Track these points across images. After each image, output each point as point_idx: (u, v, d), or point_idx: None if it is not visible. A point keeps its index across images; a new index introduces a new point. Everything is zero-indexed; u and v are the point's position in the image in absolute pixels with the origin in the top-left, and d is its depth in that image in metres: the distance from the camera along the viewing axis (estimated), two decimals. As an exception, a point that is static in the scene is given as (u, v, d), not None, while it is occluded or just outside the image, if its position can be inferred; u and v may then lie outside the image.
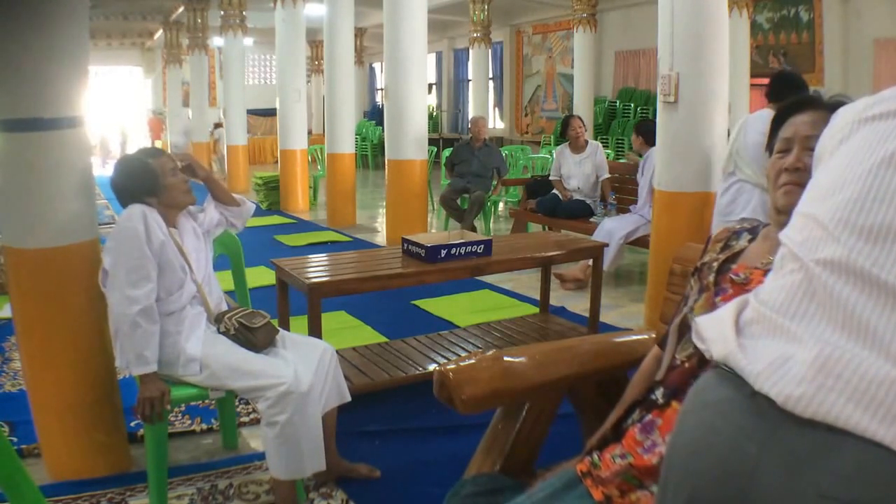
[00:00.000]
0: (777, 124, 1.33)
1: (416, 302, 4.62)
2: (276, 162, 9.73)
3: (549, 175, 6.12)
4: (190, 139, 14.26)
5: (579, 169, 5.71)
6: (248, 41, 13.03)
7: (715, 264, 1.33)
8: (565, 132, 5.88)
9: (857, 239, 0.76)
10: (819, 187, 0.87)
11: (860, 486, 0.67)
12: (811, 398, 0.71)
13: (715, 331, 0.88)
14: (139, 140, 18.07)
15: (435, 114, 16.51)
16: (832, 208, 0.81)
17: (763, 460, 0.74)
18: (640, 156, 5.25)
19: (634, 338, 1.74)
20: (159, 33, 16.82)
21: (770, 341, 0.79)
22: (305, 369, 2.13)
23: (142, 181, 2.18)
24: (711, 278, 1.31)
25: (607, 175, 5.66)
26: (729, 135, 3.85)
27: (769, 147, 1.35)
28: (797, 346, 0.76)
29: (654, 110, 4.21)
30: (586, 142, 5.81)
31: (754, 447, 0.75)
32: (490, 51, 14.58)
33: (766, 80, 3.84)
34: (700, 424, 0.82)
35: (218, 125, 14.62)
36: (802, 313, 0.78)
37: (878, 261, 0.74)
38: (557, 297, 4.66)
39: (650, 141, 4.77)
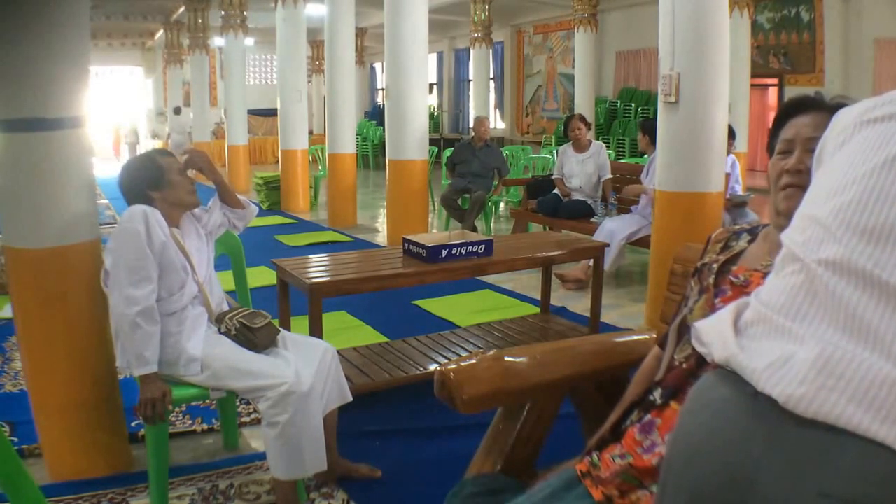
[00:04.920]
0: (778, 125, 1.32)
1: (417, 302, 4.62)
2: (277, 162, 9.74)
3: (549, 175, 6.12)
4: (186, 137, 14.33)
5: (581, 168, 5.71)
6: (249, 41, 13.05)
7: (715, 266, 1.33)
8: (567, 132, 5.88)
9: (858, 240, 0.76)
10: (820, 188, 0.87)
11: (861, 486, 0.67)
12: (812, 398, 0.71)
13: (714, 334, 0.88)
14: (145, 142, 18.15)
15: (436, 114, 16.53)
16: (833, 209, 0.81)
17: (764, 461, 0.74)
18: (644, 155, 5.23)
19: (635, 338, 1.74)
20: (160, 33, 16.84)
21: (771, 342, 0.79)
22: (306, 369, 2.13)
23: (147, 173, 2.20)
24: (711, 280, 1.31)
25: (609, 175, 5.65)
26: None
27: (769, 148, 1.34)
28: (798, 346, 0.76)
29: (655, 110, 4.20)
30: (590, 141, 5.81)
31: (755, 448, 0.75)
32: (491, 51, 14.58)
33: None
34: (701, 425, 0.82)
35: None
36: (804, 314, 0.78)
37: (880, 261, 0.74)
38: (558, 298, 4.66)
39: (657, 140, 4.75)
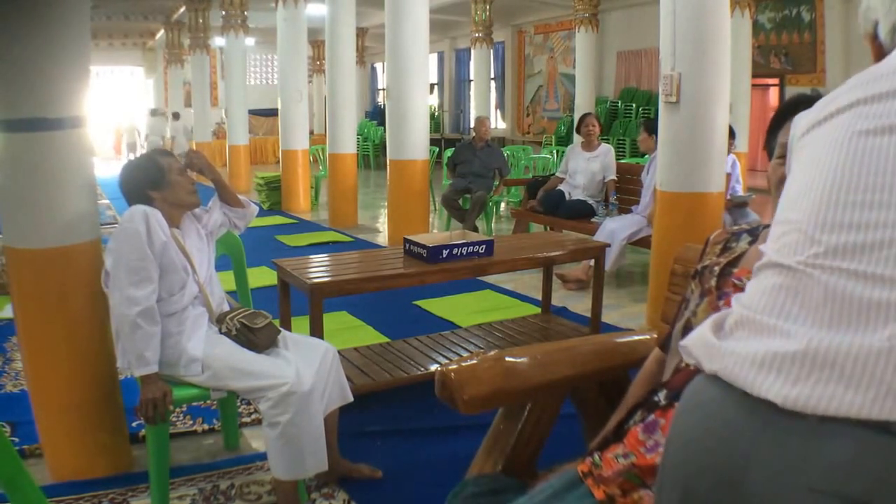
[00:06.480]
0: (776, 125, 1.32)
1: (418, 302, 4.62)
2: (278, 162, 9.74)
3: (550, 175, 6.12)
4: (160, 140, 14.44)
5: (587, 165, 5.72)
6: (250, 41, 13.04)
7: (716, 268, 1.32)
8: (580, 129, 5.90)
9: (836, 237, 0.77)
10: (790, 192, 0.88)
11: (850, 479, 0.67)
12: (809, 395, 0.71)
13: (700, 347, 0.88)
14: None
15: (437, 114, 16.51)
16: (805, 210, 0.82)
17: (755, 457, 0.74)
18: (645, 155, 5.23)
19: (636, 338, 1.74)
20: (161, 33, 16.85)
21: (757, 342, 0.79)
22: (307, 369, 2.13)
23: (147, 174, 2.20)
24: (713, 282, 1.30)
25: (614, 176, 5.67)
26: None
27: (767, 150, 1.34)
28: (785, 341, 0.76)
29: (656, 110, 4.21)
30: (599, 142, 5.83)
31: (746, 444, 0.75)
32: (492, 51, 14.58)
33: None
34: (694, 425, 0.83)
35: (175, 115, 14.72)
36: (787, 311, 0.78)
37: (856, 256, 0.74)
38: (559, 298, 4.66)
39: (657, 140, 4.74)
